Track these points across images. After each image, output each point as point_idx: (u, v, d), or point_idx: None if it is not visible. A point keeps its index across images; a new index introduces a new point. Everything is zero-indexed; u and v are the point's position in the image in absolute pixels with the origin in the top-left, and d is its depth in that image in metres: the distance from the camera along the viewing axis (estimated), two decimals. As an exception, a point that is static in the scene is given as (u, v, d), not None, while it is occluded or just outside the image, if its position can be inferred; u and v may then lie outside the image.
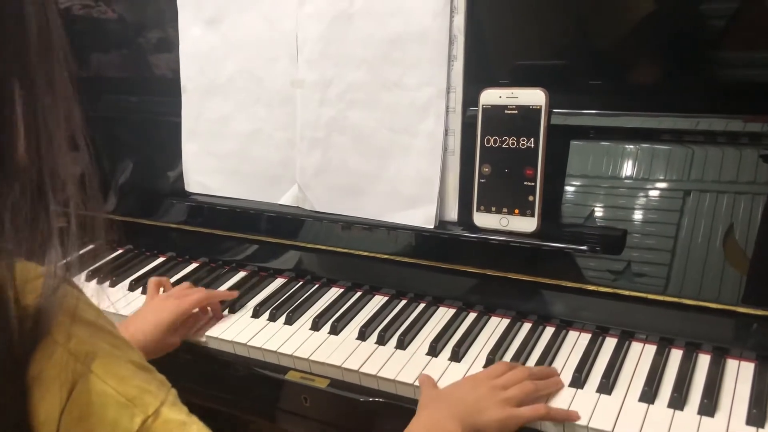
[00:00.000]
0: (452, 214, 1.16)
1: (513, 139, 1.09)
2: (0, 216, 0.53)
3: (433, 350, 1.05)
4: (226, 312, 1.21)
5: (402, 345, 1.07)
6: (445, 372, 1.01)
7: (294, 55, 1.25)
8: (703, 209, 0.98)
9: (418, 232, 1.17)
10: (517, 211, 1.09)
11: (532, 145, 1.07)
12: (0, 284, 0.53)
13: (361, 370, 1.03)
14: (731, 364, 0.96)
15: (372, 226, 1.21)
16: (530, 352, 1.03)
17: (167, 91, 1.40)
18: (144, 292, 1.30)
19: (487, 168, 1.11)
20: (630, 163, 1.04)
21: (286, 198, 1.31)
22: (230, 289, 1.28)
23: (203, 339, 1.16)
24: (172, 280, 1.30)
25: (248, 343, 1.12)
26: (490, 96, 1.10)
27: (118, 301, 1.27)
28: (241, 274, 1.34)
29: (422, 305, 1.17)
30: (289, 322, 1.16)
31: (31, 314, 0.54)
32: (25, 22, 0.54)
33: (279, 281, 1.30)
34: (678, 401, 0.90)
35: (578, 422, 0.89)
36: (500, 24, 1.15)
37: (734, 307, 0.95)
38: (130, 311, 1.21)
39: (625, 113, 1.04)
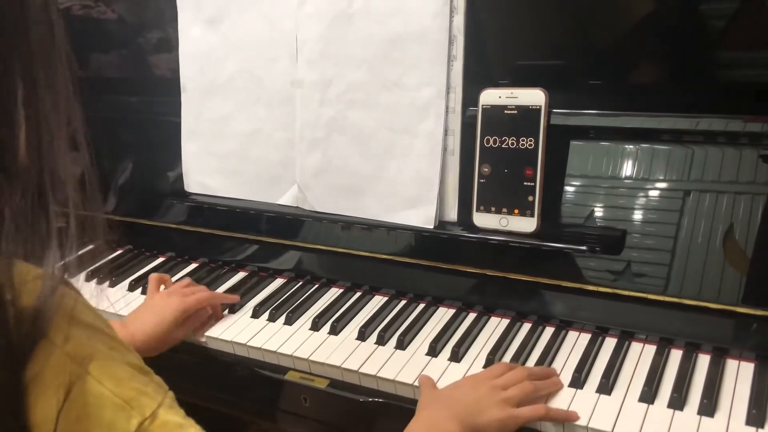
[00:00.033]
0: (452, 214, 1.16)
1: (513, 139, 1.08)
2: (1, 217, 0.53)
3: (433, 350, 1.05)
4: (225, 312, 1.21)
5: (402, 345, 1.07)
6: (445, 372, 1.01)
7: (294, 55, 1.25)
8: (703, 209, 0.98)
9: (417, 232, 1.17)
10: (516, 211, 1.09)
11: (532, 145, 1.07)
12: None
13: (360, 371, 1.03)
14: (731, 365, 0.96)
15: (372, 226, 1.21)
16: (530, 352, 1.03)
17: (167, 91, 1.40)
18: (144, 293, 1.30)
19: (486, 168, 1.11)
20: (630, 163, 1.04)
21: (286, 198, 1.31)
22: (230, 288, 1.28)
23: (202, 339, 1.16)
24: (172, 280, 1.30)
25: (248, 344, 1.12)
26: (490, 96, 1.10)
27: (118, 301, 1.27)
28: (241, 274, 1.34)
29: (422, 305, 1.17)
30: (289, 322, 1.16)
31: (29, 316, 0.53)
32: (28, 23, 0.55)
33: (279, 281, 1.30)
34: (678, 401, 0.89)
35: (578, 422, 0.89)
36: (500, 24, 1.15)
37: (734, 307, 0.95)
38: (129, 311, 1.21)
39: (624, 113, 1.04)
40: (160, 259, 1.43)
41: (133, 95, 1.48)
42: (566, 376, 0.96)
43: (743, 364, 0.95)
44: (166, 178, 1.44)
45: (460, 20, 1.10)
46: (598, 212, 1.05)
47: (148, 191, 1.46)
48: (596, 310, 1.05)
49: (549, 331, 1.07)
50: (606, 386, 0.93)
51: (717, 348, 0.98)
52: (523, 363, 1.01)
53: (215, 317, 1.19)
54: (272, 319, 1.17)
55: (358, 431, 1.05)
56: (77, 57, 0.59)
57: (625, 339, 1.02)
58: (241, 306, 1.23)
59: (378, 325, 1.13)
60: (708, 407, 0.88)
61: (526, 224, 1.08)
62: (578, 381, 0.95)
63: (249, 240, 1.35)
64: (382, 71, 1.16)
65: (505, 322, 1.11)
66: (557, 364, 1.00)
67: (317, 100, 1.23)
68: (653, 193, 1.02)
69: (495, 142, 1.10)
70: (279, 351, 1.09)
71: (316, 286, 1.26)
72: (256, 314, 1.19)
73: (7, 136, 0.54)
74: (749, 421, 0.86)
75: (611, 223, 1.04)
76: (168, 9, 1.37)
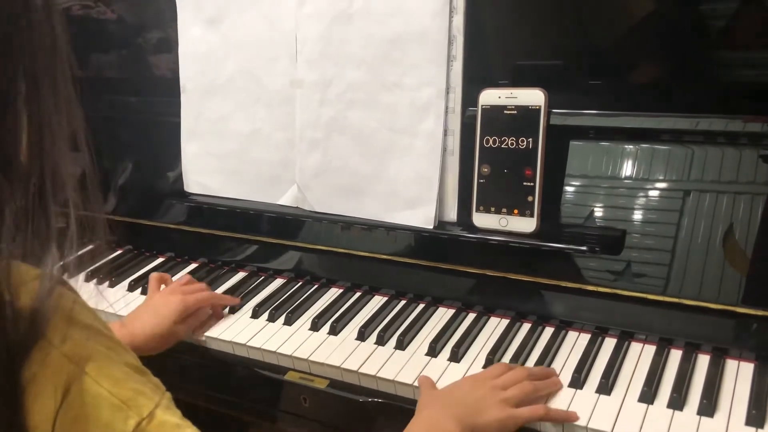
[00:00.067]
0: (451, 214, 1.16)
1: (512, 140, 1.08)
2: (1, 217, 0.53)
3: (433, 350, 1.05)
4: (225, 312, 1.21)
5: (401, 345, 1.07)
6: (445, 372, 1.01)
7: (293, 55, 1.25)
8: (703, 209, 0.98)
9: (417, 232, 1.17)
10: (516, 211, 1.09)
11: (532, 146, 1.07)
12: None
13: (360, 371, 1.03)
14: (731, 365, 0.96)
15: (371, 227, 1.21)
16: (530, 352, 1.03)
17: (167, 92, 1.40)
18: (143, 293, 1.30)
19: (486, 168, 1.11)
20: (630, 163, 1.04)
21: (286, 198, 1.31)
22: (230, 289, 1.28)
23: (202, 339, 1.16)
24: (173, 279, 1.30)
25: (247, 344, 1.12)
26: (490, 96, 1.10)
27: (117, 301, 1.27)
28: (241, 274, 1.34)
29: (421, 305, 1.17)
30: (289, 322, 1.16)
31: (27, 316, 0.53)
32: (33, 26, 0.55)
33: (278, 281, 1.30)
34: (677, 401, 0.89)
35: (577, 423, 0.89)
36: (499, 24, 1.15)
37: (734, 307, 0.94)
38: (129, 312, 1.21)
39: (624, 113, 1.04)
40: (160, 260, 1.43)
41: (133, 95, 1.48)
42: (566, 377, 0.96)
43: (743, 364, 0.95)
44: (165, 179, 1.44)
45: (459, 20, 1.10)
46: (598, 212, 1.05)
47: (147, 191, 1.46)
48: (596, 310, 1.05)
49: (549, 331, 1.07)
50: (606, 386, 0.93)
51: (717, 348, 0.98)
52: (523, 363, 1.01)
53: (215, 317, 1.19)
54: (272, 319, 1.17)
55: (357, 431, 1.05)
56: (77, 57, 0.60)
57: (624, 339, 1.02)
58: (241, 306, 1.23)
59: (378, 326, 1.13)
60: (708, 407, 0.88)
61: (526, 224, 1.08)
62: (578, 381, 0.95)
63: (249, 240, 1.35)
64: (381, 71, 1.16)
65: (505, 322, 1.11)
66: (557, 365, 1.00)
67: (317, 100, 1.23)
68: (653, 193, 1.02)
69: (494, 142, 1.10)
70: (278, 351, 1.09)
71: (316, 286, 1.26)
72: (255, 314, 1.19)
73: (9, 136, 0.54)
74: (749, 422, 0.86)
75: (611, 223, 1.04)
76: (168, 9, 1.37)
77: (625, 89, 1.08)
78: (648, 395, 0.91)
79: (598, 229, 1.04)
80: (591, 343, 1.03)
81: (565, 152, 1.07)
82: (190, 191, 1.41)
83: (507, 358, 1.03)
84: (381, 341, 1.08)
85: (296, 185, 1.29)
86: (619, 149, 1.05)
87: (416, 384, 0.99)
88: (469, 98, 1.12)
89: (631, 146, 1.04)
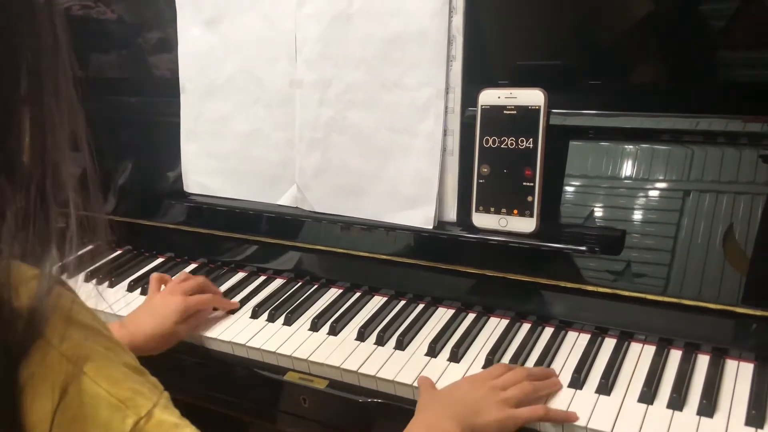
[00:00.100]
0: (451, 214, 1.16)
1: (512, 140, 1.08)
2: (2, 218, 0.53)
3: (432, 351, 1.05)
4: (224, 312, 1.21)
5: (401, 346, 1.07)
6: (444, 372, 1.01)
7: (293, 55, 1.25)
8: (703, 209, 0.98)
9: (417, 232, 1.17)
10: (516, 211, 1.09)
11: (531, 146, 1.07)
12: None
13: (360, 371, 1.02)
14: (730, 365, 0.95)
15: (371, 227, 1.21)
16: (529, 352, 1.03)
17: (166, 92, 1.40)
18: (143, 293, 1.30)
19: (486, 168, 1.11)
20: (629, 163, 1.04)
21: (285, 198, 1.31)
22: (229, 289, 1.28)
23: (202, 340, 1.16)
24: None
25: (247, 344, 1.12)
26: (489, 96, 1.10)
27: (117, 301, 1.27)
28: (240, 274, 1.34)
29: (421, 306, 1.17)
30: (288, 322, 1.16)
31: (25, 315, 0.54)
32: (36, 27, 0.55)
33: (278, 282, 1.30)
34: (677, 402, 0.89)
35: (577, 423, 0.89)
36: (499, 24, 1.14)
37: (733, 307, 0.94)
38: (128, 312, 1.21)
39: (624, 113, 1.04)
40: (160, 260, 1.43)
41: (133, 95, 1.48)
42: (565, 377, 0.96)
43: (743, 364, 0.95)
44: (165, 179, 1.44)
45: (459, 20, 1.10)
46: (598, 212, 1.05)
47: (147, 192, 1.46)
48: (596, 311, 1.05)
49: (548, 331, 1.07)
50: (605, 387, 0.93)
51: (716, 348, 0.98)
52: (523, 363, 1.01)
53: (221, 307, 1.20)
54: (271, 319, 1.17)
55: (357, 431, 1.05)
56: (76, 57, 0.60)
57: (624, 339, 1.02)
58: (241, 306, 1.22)
59: (377, 326, 1.12)
60: (707, 408, 0.88)
61: (526, 224, 1.08)
62: (577, 381, 0.95)
63: (248, 240, 1.35)
64: (381, 71, 1.16)
65: (505, 322, 1.11)
66: (556, 365, 1.00)
67: (317, 100, 1.23)
68: (653, 193, 1.02)
69: (494, 142, 1.10)
70: (278, 351, 1.09)
71: (316, 286, 1.26)
72: (255, 315, 1.19)
73: (12, 137, 0.54)
74: (749, 422, 0.85)
75: (611, 224, 1.04)
76: (167, 9, 1.37)
77: (625, 89, 1.08)
78: (648, 395, 0.91)
79: (597, 229, 1.04)
80: (591, 344, 1.03)
81: (565, 152, 1.07)
82: (189, 191, 1.41)
83: (507, 358, 1.03)
84: (380, 341, 1.08)
85: (296, 185, 1.29)
86: (618, 149, 1.04)
87: (416, 384, 0.99)
88: (469, 98, 1.12)
89: (630, 146, 1.04)
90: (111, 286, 1.35)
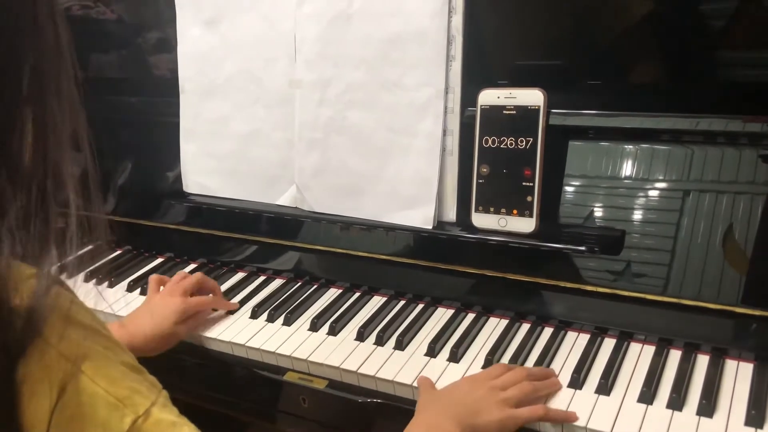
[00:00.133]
0: (450, 214, 1.16)
1: (511, 140, 1.08)
2: (2, 218, 0.53)
3: (432, 351, 1.05)
4: (224, 312, 1.21)
5: (400, 346, 1.07)
6: (444, 373, 1.01)
7: (292, 55, 1.25)
8: (703, 209, 0.98)
9: (416, 232, 1.17)
10: (515, 211, 1.09)
11: (531, 146, 1.07)
12: None
13: (359, 371, 1.02)
14: (730, 365, 0.95)
15: (370, 227, 1.21)
16: (529, 352, 1.03)
17: (166, 92, 1.40)
18: (143, 293, 1.30)
19: (485, 168, 1.11)
20: (629, 163, 1.04)
21: (285, 198, 1.31)
22: (229, 289, 1.27)
23: (201, 340, 1.16)
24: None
25: (246, 344, 1.12)
26: (489, 96, 1.10)
27: (117, 301, 1.27)
28: (240, 274, 1.34)
29: (421, 306, 1.17)
30: (288, 322, 1.16)
31: (23, 314, 0.54)
32: (39, 27, 0.55)
33: (277, 282, 1.30)
34: (677, 402, 0.89)
35: (577, 423, 0.89)
36: (498, 24, 1.14)
37: (733, 307, 0.94)
38: (128, 312, 1.21)
39: (623, 113, 1.04)
40: (159, 260, 1.43)
41: (132, 95, 1.48)
42: (565, 377, 0.96)
43: (742, 364, 0.95)
44: (164, 179, 1.44)
45: (458, 20, 1.10)
46: (597, 212, 1.05)
47: (147, 192, 1.46)
48: (595, 311, 1.05)
49: (548, 331, 1.07)
50: (605, 387, 0.93)
51: (716, 348, 0.98)
52: (522, 363, 1.01)
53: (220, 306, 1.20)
54: (271, 319, 1.17)
55: (356, 432, 1.05)
56: (76, 57, 0.60)
57: (624, 339, 1.02)
58: (240, 306, 1.22)
59: (377, 326, 1.12)
60: (707, 408, 0.88)
61: (525, 224, 1.08)
62: (577, 381, 0.95)
63: (248, 240, 1.35)
64: (380, 71, 1.16)
65: (504, 322, 1.11)
66: (556, 365, 1.00)
67: (316, 100, 1.23)
68: (653, 193, 1.02)
69: (494, 142, 1.10)
70: (277, 352, 1.09)
71: (315, 286, 1.26)
72: (254, 315, 1.19)
73: (14, 138, 0.54)
74: (748, 422, 0.85)
75: (610, 224, 1.04)
76: (167, 9, 1.37)
77: (624, 89, 1.08)
78: (647, 395, 0.91)
79: (597, 229, 1.04)
80: (590, 344, 1.03)
81: (565, 152, 1.07)
82: (189, 191, 1.41)
83: (506, 358, 1.02)
84: (380, 341, 1.08)
85: (295, 185, 1.29)
86: (618, 149, 1.04)
87: (415, 384, 0.98)
88: (468, 98, 1.12)
89: (630, 146, 1.04)
90: (111, 286, 1.35)
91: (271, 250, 1.33)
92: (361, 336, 1.10)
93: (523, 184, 1.08)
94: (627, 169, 1.03)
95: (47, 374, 0.55)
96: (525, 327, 1.09)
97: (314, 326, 1.14)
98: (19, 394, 0.54)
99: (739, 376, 0.93)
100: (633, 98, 1.06)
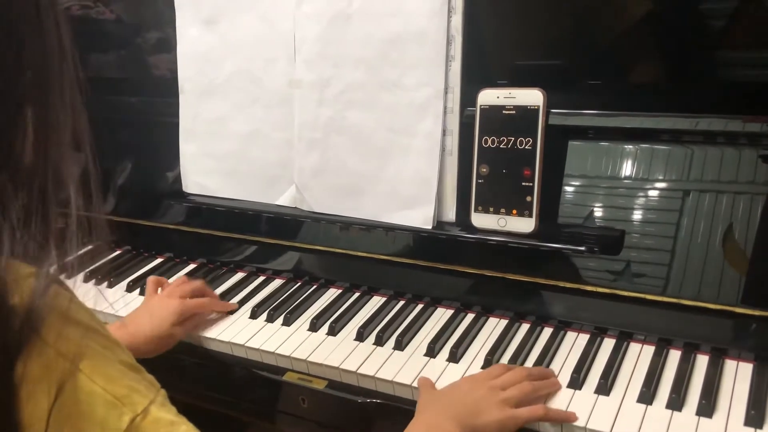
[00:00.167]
0: (450, 214, 1.16)
1: (511, 140, 1.08)
2: (3, 217, 0.53)
3: (431, 351, 1.05)
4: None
5: (400, 346, 1.07)
6: (443, 373, 1.01)
7: (292, 55, 1.25)
8: (703, 209, 0.98)
9: (416, 232, 1.17)
10: (515, 211, 1.09)
11: (530, 146, 1.07)
12: None
13: (359, 371, 1.02)
14: (730, 365, 0.95)
15: (370, 227, 1.21)
16: (528, 352, 1.03)
17: (165, 92, 1.39)
18: (142, 293, 1.30)
19: (485, 168, 1.11)
20: (629, 163, 1.04)
21: (284, 198, 1.31)
22: (228, 289, 1.27)
23: (201, 340, 1.16)
24: (170, 281, 1.30)
25: (246, 344, 1.11)
26: (488, 96, 1.10)
27: (116, 301, 1.27)
28: (239, 275, 1.34)
29: (420, 306, 1.17)
30: (287, 323, 1.16)
31: (21, 313, 0.54)
32: (43, 29, 0.55)
33: (277, 282, 1.30)
34: (676, 402, 0.89)
35: (576, 423, 0.89)
36: (498, 24, 1.14)
37: (733, 307, 0.94)
38: (127, 312, 1.21)
39: (623, 113, 1.04)
40: (159, 260, 1.43)
41: (132, 95, 1.48)
42: (565, 377, 0.96)
43: (742, 364, 0.95)
44: (164, 179, 1.44)
45: (458, 20, 1.10)
46: (597, 212, 1.05)
47: (146, 192, 1.46)
48: (595, 311, 1.05)
49: (547, 331, 1.07)
50: (604, 387, 0.93)
51: (716, 348, 0.98)
52: (522, 363, 1.01)
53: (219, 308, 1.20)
54: (270, 319, 1.17)
55: (356, 432, 1.05)
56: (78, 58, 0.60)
57: (623, 339, 1.02)
58: (240, 306, 1.22)
59: (376, 326, 1.12)
60: (706, 408, 0.88)
61: (525, 224, 1.08)
62: (577, 381, 0.95)
63: (247, 241, 1.35)
64: (380, 71, 1.16)
65: (504, 322, 1.11)
66: (556, 365, 1.00)
67: (315, 100, 1.23)
68: (652, 193, 1.02)
69: (493, 142, 1.10)
70: (277, 352, 1.09)
71: (315, 286, 1.26)
72: (254, 315, 1.19)
73: (15, 137, 0.55)
74: (748, 422, 0.85)
75: (610, 224, 1.03)
76: (166, 9, 1.37)
77: (624, 89, 1.08)
78: (647, 396, 0.91)
79: (597, 230, 1.04)
80: (590, 344, 1.03)
81: (564, 152, 1.07)
82: (188, 192, 1.41)
83: (506, 358, 1.02)
84: (380, 342, 1.08)
85: (295, 185, 1.29)
86: (618, 149, 1.04)
87: (415, 384, 0.98)
88: (468, 98, 1.12)
89: (630, 146, 1.04)
90: (110, 286, 1.35)
91: (270, 250, 1.33)
92: (360, 336, 1.10)
93: (523, 184, 1.08)
94: (627, 169, 1.03)
95: (45, 373, 0.55)
96: (524, 327, 1.09)
97: (314, 326, 1.14)
98: (18, 393, 0.54)
99: (738, 376, 0.93)
100: (633, 98, 1.05)
